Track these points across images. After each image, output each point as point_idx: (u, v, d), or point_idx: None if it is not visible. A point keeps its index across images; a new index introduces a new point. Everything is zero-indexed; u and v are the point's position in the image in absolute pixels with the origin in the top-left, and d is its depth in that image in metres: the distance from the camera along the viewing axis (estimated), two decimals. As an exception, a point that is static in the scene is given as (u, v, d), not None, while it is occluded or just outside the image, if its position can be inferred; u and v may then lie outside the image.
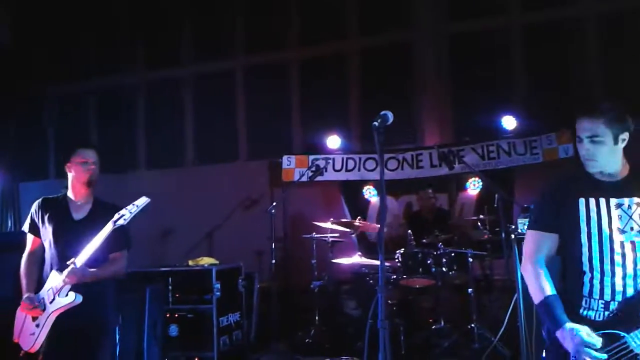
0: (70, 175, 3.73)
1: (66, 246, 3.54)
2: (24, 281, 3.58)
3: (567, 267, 2.60)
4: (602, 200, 2.52)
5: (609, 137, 2.46)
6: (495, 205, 5.53)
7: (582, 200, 2.54)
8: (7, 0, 9.59)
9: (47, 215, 3.65)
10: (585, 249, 2.51)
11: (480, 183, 7.37)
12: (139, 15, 9.40)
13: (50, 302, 3.46)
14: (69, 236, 3.57)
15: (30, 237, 3.70)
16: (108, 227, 3.46)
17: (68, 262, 3.42)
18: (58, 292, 3.46)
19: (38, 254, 3.66)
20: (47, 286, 3.52)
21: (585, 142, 2.49)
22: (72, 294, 3.44)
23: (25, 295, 3.52)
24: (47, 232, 3.62)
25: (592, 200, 2.53)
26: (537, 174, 6.93)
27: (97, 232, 3.51)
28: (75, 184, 3.72)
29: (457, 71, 7.99)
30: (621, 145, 2.51)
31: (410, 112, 8.03)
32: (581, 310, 2.49)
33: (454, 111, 8.02)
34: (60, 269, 3.48)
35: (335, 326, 6.37)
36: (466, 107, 7.80)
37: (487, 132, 7.43)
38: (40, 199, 3.75)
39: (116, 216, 3.48)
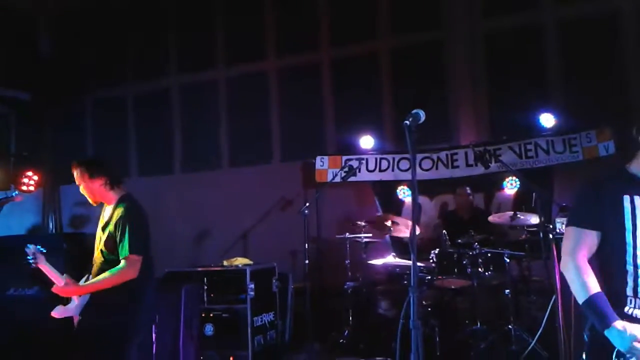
0: None
1: (95, 251, 3.77)
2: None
3: (609, 265, 2.53)
4: None
5: None
6: (533, 205, 5.41)
7: (627, 198, 2.48)
8: (47, 11, 9.90)
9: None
10: (629, 248, 2.44)
11: (518, 182, 7.22)
12: (172, 19, 9.57)
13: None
14: (96, 242, 3.78)
15: None
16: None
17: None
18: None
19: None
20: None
21: None
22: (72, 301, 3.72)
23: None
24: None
25: (637, 198, 2.48)
26: (576, 173, 6.76)
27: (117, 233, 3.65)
28: None
29: (492, 68, 7.86)
30: None
31: (445, 110, 7.94)
32: (626, 310, 2.43)
33: (490, 109, 7.89)
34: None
35: (369, 327, 6.34)
36: (502, 105, 7.67)
37: (524, 130, 7.27)
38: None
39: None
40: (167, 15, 9.59)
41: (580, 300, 2.44)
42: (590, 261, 2.53)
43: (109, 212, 3.76)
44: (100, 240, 3.72)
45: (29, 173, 7.54)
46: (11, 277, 5.28)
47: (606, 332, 2.34)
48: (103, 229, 3.73)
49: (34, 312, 4.13)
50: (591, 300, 2.40)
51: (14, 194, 4.05)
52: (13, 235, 7.32)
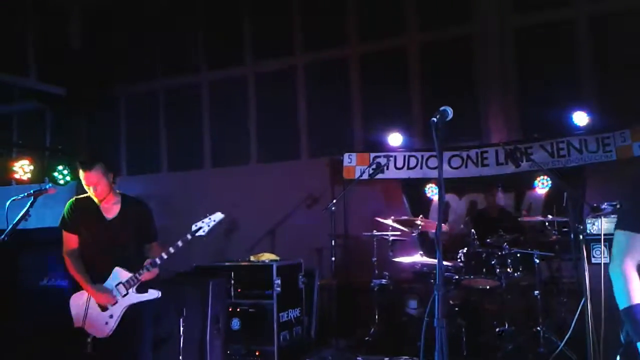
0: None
1: (106, 244, 3.89)
2: (82, 275, 3.85)
3: None
4: None
5: None
6: (565, 205, 5.32)
7: None
8: (80, 5, 10.09)
9: (81, 215, 3.95)
10: None
11: (549, 181, 7.08)
12: (201, 15, 9.67)
13: (124, 296, 3.83)
14: (106, 234, 3.90)
15: (67, 235, 3.96)
16: (187, 237, 3.89)
17: (146, 263, 3.83)
18: (131, 287, 3.84)
19: (77, 250, 3.95)
20: (113, 281, 3.86)
21: None
22: (153, 291, 3.90)
23: (95, 287, 3.82)
24: (84, 231, 3.93)
25: None
26: (609, 173, 6.62)
27: (131, 228, 3.93)
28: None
29: (523, 65, 7.73)
30: None
31: (475, 108, 7.84)
32: None
33: (521, 107, 7.76)
34: (119, 265, 3.84)
35: (396, 325, 6.32)
36: (534, 103, 7.54)
37: (556, 128, 7.14)
38: (72, 199, 4.05)
39: (194, 227, 3.92)
40: (197, 11, 9.68)
41: (621, 307, 2.37)
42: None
43: (120, 206, 3.98)
44: (122, 230, 3.91)
45: (61, 167, 7.71)
46: (44, 268, 5.43)
47: (639, 345, 2.28)
48: (123, 221, 3.93)
49: (66, 303, 4.23)
50: (631, 310, 2.33)
51: (47, 187, 4.13)
52: (46, 227, 7.49)
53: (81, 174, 3.88)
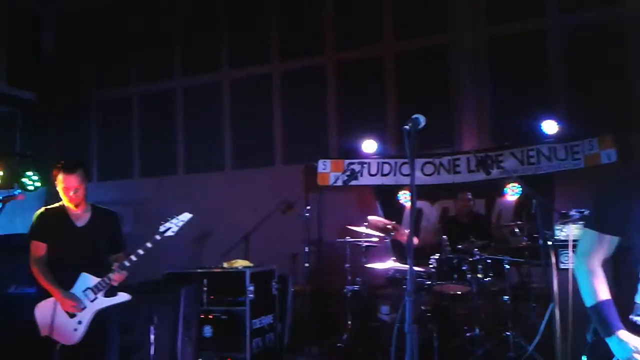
0: (60, 192, 3.95)
1: (76, 251, 3.88)
2: (51, 283, 3.82)
3: (621, 272, 2.50)
4: None
5: None
6: (534, 212, 5.41)
7: None
8: (51, 11, 9.96)
9: (51, 224, 3.94)
10: None
11: (519, 189, 7.22)
12: (178, 20, 9.62)
13: (92, 301, 3.82)
14: (76, 242, 3.90)
15: (35, 244, 3.94)
16: (156, 237, 3.88)
17: (114, 267, 3.81)
18: (100, 292, 3.83)
19: (45, 258, 3.92)
20: (81, 286, 3.85)
21: None
22: (123, 294, 3.90)
23: (64, 293, 3.79)
24: (53, 239, 3.91)
25: None
26: (578, 180, 6.77)
27: (100, 236, 3.95)
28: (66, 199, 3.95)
29: (496, 74, 7.87)
30: None
31: (447, 116, 7.94)
32: (632, 317, 2.41)
33: (493, 115, 7.89)
34: (86, 271, 3.83)
35: (369, 331, 6.33)
36: (505, 111, 7.68)
37: (526, 136, 7.29)
38: (42, 209, 4.04)
39: (162, 228, 3.91)
40: (173, 16, 9.63)
41: (588, 305, 2.43)
42: (604, 263, 2.50)
43: (90, 214, 3.99)
44: (92, 237, 3.91)
45: (29, 173, 7.59)
46: (12, 275, 5.33)
47: (608, 340, 2.34)
48: (93, 229, 3.93)
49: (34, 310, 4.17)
50: (598, 307, 2.39)
51: (16, 193, 4.07)
52: (15, 234, 7.35)
53: (61, 177, 3.85)
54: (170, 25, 9.66)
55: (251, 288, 5.82)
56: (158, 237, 3.89)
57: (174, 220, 3.92)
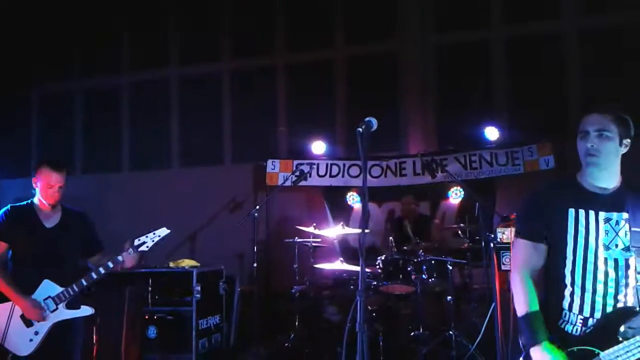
0: (37, 190, 3.74)
1: (42, 254, 3.65)
2: (11, 286, 3.56)
3: (549, 278, 2.55)
4: (592, 213, 2.44)
5: (615, 134, 2.39)
6: (476, 215, 5.59)
7: (571, 211, 2.46)
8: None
9: (17, 223, 3.69)
10: (569, 262, 2.46)
11: (462, 192, 7.45)
12: (125, 15, 9.39)
13: (52, 311, 3.59)
14: (44, 244, 3.67)
15: None
16: (129, 250, 3.66)
17: (126, 249, 3.64)
18: (62, 302, 3.60)
19: (3, 258, 3.68)
20: (42, 294, 3.60)
21: (592, 136, 2.40)
22: (85, 307, 3.70)
23: (27, 300, 3.55)
24: (18, 240, 3.66)
25: (581, 212, 2.45)
26: (517, 185, 7.05)
27: (71, 239, 3.74)
28: (41, 198, 3.75)
29: (442, 80, 8.11)
30: (623, 150, 2.44)
31: (395, 119, 8.11)
32: (559, 323, 2.47)
33: (438, 120, 8.12)
34: (49, 278, 3.60)
35: (316, 331, 6.37)
36: (450, 117, 7.91)
37: (470, 141, 7.54)
38: (8, 207, 3.77)
39: (136, 242, 3.70)
40: (120, 12, 9.38)
41: (519, 314, 2.48)
42: (537, 271, 2.55)
43: (60, 214, 3.79)
44: (62, 240, 3.72)
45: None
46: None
47: (531, 350, 2.39)
48: (63, 231, 3.73)
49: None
50: (526, 317, 2.44)
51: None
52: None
53: (47, 172, 3.66)
54: (118, 19, 9.41)
55: (198, 288, 5.73)
56: (131, 250, 3.67)
57: (151, 235, 3.74)
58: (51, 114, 9.71)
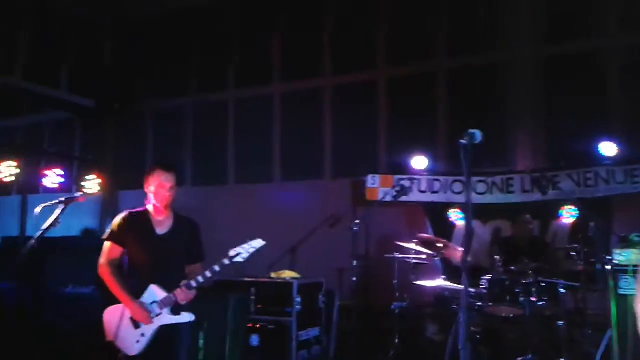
0: (150, 195, 3.87)
1: (153, 259, 3.78)
2: (122, 289, 3.73)
3: None
4: None
5: None
6: (591, 235, 5.24)
7: None
8: (110, 21, 10.35)
9: (132, 228, 3.84)
10: None
11: (576, 211, 7.00)
12: (234, 33, 9.83)
13: (156, 315, 3.71)
14: (154, 250, 3.79)
15: (112, 246, 3.84)
16: (225, 262, 3.69)
17: (181, 284, 3.67)
18: (165, 307, 3.71)
19: (117, 262, 3.85)
20: (148, 298, 3.74)
21: None
22: (186, 314, 3.76)
23: (136, 303, 3.71)
24: (132, 244, 3.82)
25: None
26: (637, 204, 6.51)
27: (180, 246, 3.83)
28: (154, 203, 3.87)
29: (552, 94, 7.72)
30: None
31: (501, 134, 7.81)
32: None
33: (548, 135, 7.73)
34: (156, 283, 3.73)
35: (416, 350, 6.23)
36: (561, 132, 7.52)
37: (583, 158, 7.10)
38: (126, 212, 3.93)
39: (232, 253, 3.70)
40: (229, 30, 9.85)
41: None
42: None
43: (172, 221, 3.89)
44: (171, 247, 3.84)
45: (92, 176, 7.85)
46: (69, 275, 5.49)
47: None
48: (173, 237, 3.85)
49: (89, 310, 4.27)
50: None
51: (77, 195, 4.18)
52: (72, 236, 7.62)
53: (159, 173, 3.80)
54: (227, 38, 9.88)
55: (298, 299, 5.82)
56: (227, 261, 3.70)
57: (246, 246, 3.71)
58: (164, 128, 10.34)
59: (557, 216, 7.25)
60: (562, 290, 5.56)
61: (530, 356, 5.43)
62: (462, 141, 2.81)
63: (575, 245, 6.19)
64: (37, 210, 3.96)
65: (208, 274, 3.70)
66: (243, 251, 3.70)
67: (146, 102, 10.38)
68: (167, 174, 3.81)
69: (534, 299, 5.60)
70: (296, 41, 9.36)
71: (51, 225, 3.90)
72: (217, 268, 3.71)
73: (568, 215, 7.15)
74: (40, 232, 3.88)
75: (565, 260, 6.39)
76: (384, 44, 8.79)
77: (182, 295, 3.68)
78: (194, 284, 3.69)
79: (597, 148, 6.97)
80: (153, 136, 10.45)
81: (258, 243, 3.75)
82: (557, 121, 7.62)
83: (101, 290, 4.02)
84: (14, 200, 9.22)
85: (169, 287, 3.73)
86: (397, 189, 7.23)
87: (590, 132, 7.16)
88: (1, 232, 7.22)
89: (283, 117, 9.41)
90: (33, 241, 3.90)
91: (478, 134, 2.86)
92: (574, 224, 7.10)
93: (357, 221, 6.44)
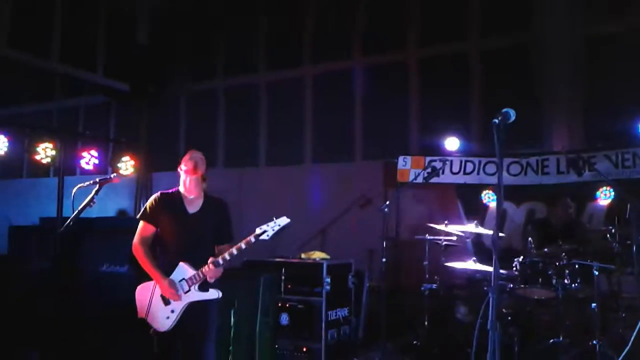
0: (182, 174, 3.98)
1: (183, 238, 3.90)
2: (154, 267, 3.85)
3: None
4: None
5: None
6: (628, 217, 5.11)
7: None
8: (145, 5, 10.45)
9: (165, 208, 3.95)
10: None
11: (612, 192, 6.83)
12: (263, 17, 9.82)
13: (185, 293, 3.82)
14: (185, 228, 3.91)
15: (145, 225, 3.97)
16: (251, 239, 3.75)
17: (210, 261, 3.76)
18: (194, 285, 3.81)
19: (150, 240, 3.97)
20: (177, 276, 3.84)
21: None
22: (213, 291, 3.84)
23: (166, 280, 3.82)
24: (164, 223, 3.94)
25: None
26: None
27: (210, 225, 3.94)
28: (185, 181, 3.98)
29: (590, 71, 7.49)
30: None
31: (536, 114, 7.65)
32: None
33: (585, 115, 7.54)
34: (185, 261, 3.82)
35: (445, 331, 6.22)
36: (599, 111, 7.34)
37: (621, 138, 6.90)
38: (158, 193, 4.06)
39: (258, 230, 3.75)
40: (258, 12, 9.84)
41: None
42: None
43: (203, 201, 4.01)
44: (201, 225, 3.94)
45: (126, 158, 8.00)
46: (105, 255, 5.63)
47: None
48: (203, 217, 3.95)
49: (124, 289, 4.38)
50: None
51: (111, 176, 4.28)
52: (107, 217, 7.80)
53: (193, 151, 3.98)
54: (256, 20, 9.88)
55: (328, 280, 5.85)
56: (253, 239, 3.75)
57: (271, 224, 3.73)
58: (196, 111, 10.45)
59: (593, 198, 7.09)
60: (596, 273, 5.45)
61: (562, 339, 5.38)
62: (495, 120, 2.76)
63: (611, 227, 6.05)
64: (73, 191, 4.08)
65: (234, 251, 3.78)
66: (269, 229, 3.74)
67: (179, 86, 10.50)
68: (196, 152, 3.99)
69: (567, 281, 5.53)
70: (325, 23, 9.31)
71: (86, 205, 4.02)
72: (243, 245, 3.77)
73: (604, 196, 6.98)
74: (76, 212, 4.00)
75: (601, 241, 6.26)
76: (415, 23, 8.66)
77: (210, 272, 3.77)
78: (221, 261, 3.78)
79: (636, 128, 6.76)
80: (186, 119, 10.59)
81: (283, 221, 3.76)
82: (594, 101, 7.42)
83: (135, 268, 4.11)
84: (51, 182, 9.46)
85: (198, 265, 3.82)
86: (429, 170, 7.15)
87: (629, 111, 6.95)
88: (39, 213, 7.42)
89: (314, 99, 9.40)
90: (69, 221, 4.02)
91: (512, 113, 2.81)
92: (610, 206, 6.93)
93: (388, 202, 6.42)
